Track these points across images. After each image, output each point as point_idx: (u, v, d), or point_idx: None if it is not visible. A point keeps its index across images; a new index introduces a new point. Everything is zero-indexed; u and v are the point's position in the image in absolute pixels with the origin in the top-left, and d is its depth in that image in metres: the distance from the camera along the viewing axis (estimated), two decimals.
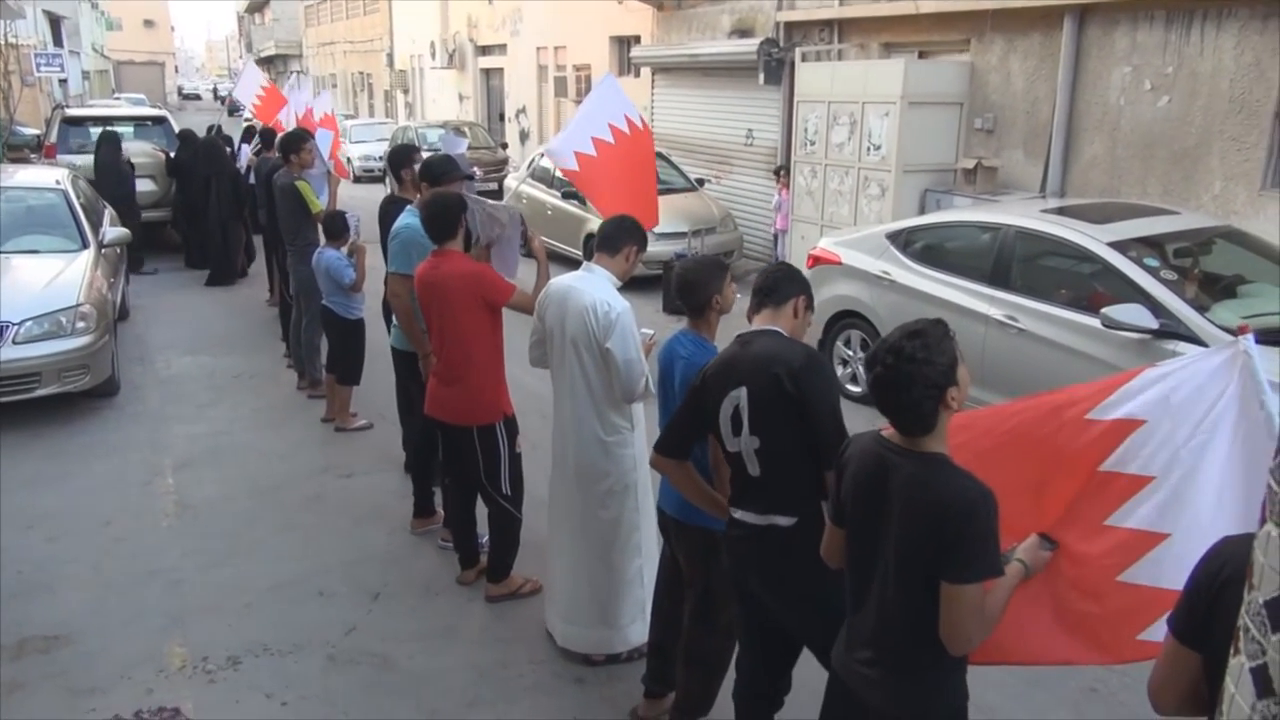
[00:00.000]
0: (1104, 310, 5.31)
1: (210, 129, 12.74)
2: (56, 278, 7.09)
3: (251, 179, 10.33)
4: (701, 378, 2.86)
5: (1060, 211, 6.52)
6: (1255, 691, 0.98)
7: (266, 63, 47.71)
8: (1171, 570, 2.27)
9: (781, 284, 2.85)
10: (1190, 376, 2.35)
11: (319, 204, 6.99)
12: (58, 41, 30.89)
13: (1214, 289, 5.70)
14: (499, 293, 4.11)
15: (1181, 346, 4.97)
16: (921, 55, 10.40)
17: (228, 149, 11.64)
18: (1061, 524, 2.42)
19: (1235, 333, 2.34)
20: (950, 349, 2.12)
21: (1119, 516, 2.36)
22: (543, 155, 11.26)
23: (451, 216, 4.20)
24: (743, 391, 2.71)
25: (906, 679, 2.23)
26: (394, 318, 4.97)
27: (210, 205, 10.92)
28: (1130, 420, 2.36)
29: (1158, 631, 2.21)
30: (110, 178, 11.03)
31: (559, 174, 9.35)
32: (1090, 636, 2.38)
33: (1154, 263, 5.61)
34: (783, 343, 2.75)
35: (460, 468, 4.42)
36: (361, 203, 16.34)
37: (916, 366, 2.07)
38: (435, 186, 4.71)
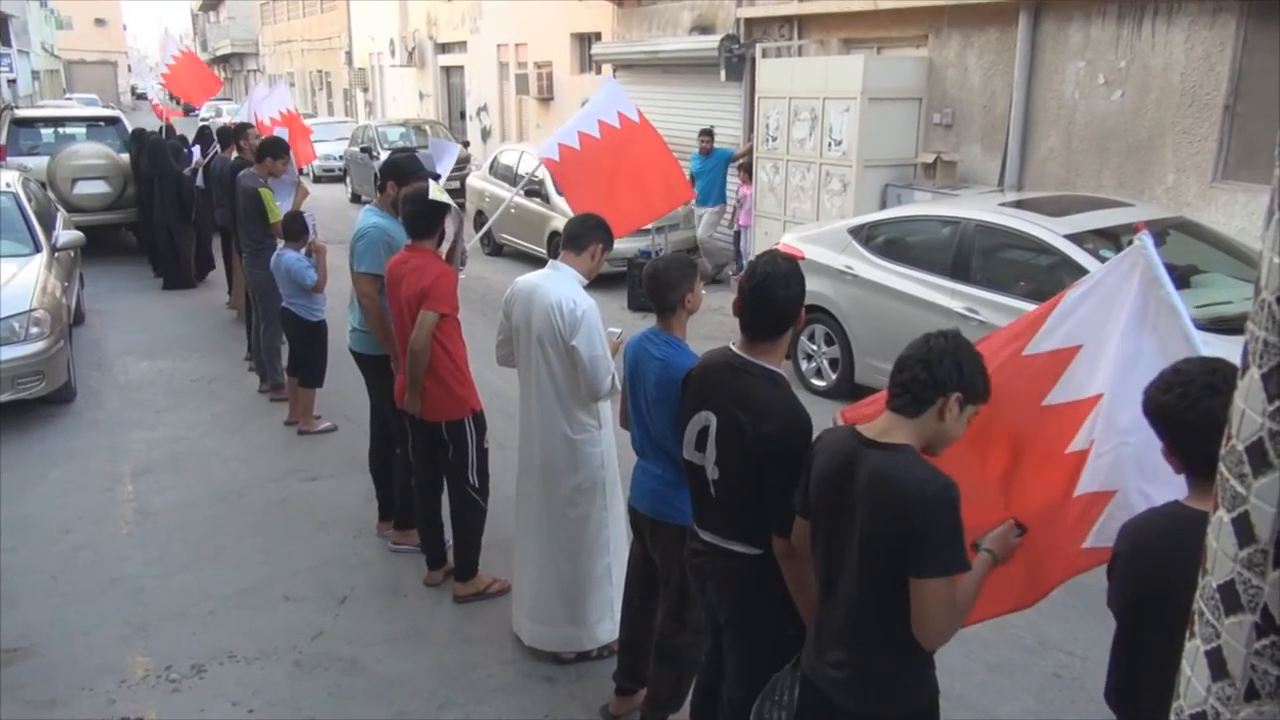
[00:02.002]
0: None
1: (162, 129, 12.54)
2: (8, 282, 6.94)
3: (199, 181, 10.28)
4: (684, 384, 2.83)
5: (1018, 205, 6.62)
6: (1210, 674, 1.00)
7: (223, 61, 47.02)
8: (1101, 473, 2.38)
9: (769, 320, 2.59)
10: (1106, 287, 2.46)
11: (278, 213, 6.89)
12: (5, 41, 30.17)
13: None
14: (434, 300, 4.01)
15: None
16: (880, 51, 10.49)
17: (184, 150, 11.45)
18: (1017, 467, 2.46)
19: (1133, 231, 2.48)
20: (985, 393, 2.15)
21: (1079, 441, 2.41)
22: (505, 153, 11.18)
23: (435, 214, 4.18)
24: (713, 419, 2.65)
25: (875, 677, 2.21)
26: (351, 319, 4.92)
27: (155, 207, 10.79)
28: (1066, 349, 2.43)
29: (1100, 536, 2.31)
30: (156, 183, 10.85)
31: (521, 172, 9.30)
32: (1039, 566, 2.42)
33: (1110, 254, 5.70)
34: (771, 393, 2.57)
35: (428, 464, 4.40)
36: (321, 203, 16.21)
37: (953, 356, 2.11)
38: (402, 186, 4.67)
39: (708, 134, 11.14)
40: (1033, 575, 2.46)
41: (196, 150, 11.14)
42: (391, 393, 4.63)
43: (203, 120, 14.50)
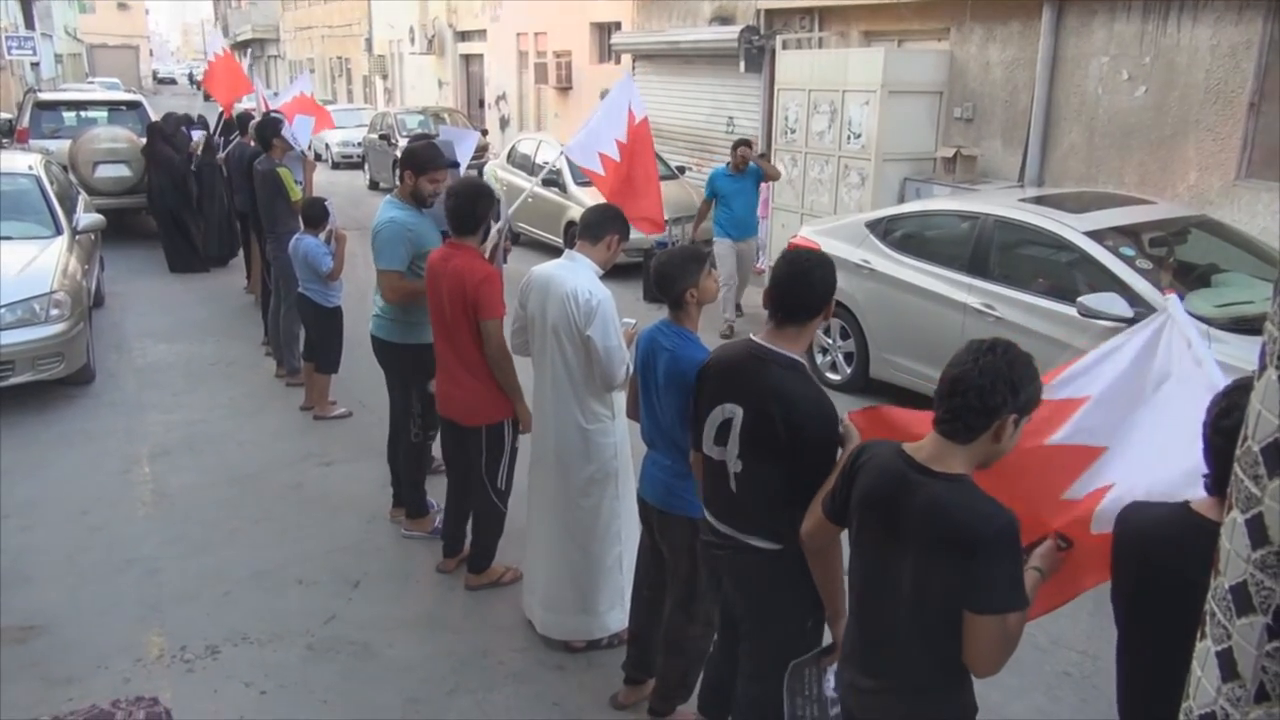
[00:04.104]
0: (1080, 299, 5.36)
1: (197, 117, 12.67)
2: (30, 264, 6.99)
3: (192, 165, 10.55)
4: (700, 377, 2.81)
5: (1038, 201, 6.58)
6: (1220, 675, 1.00)
7: (243, 47, 47.17)
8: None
9: (804, 298, 2.57)
10: (1130, 348, 2.45)
11: (298, 192, 6.95)
12: (29, 24, 30.39)
13: (1189, 278, 5.77)
14: (487, 309, 3.96)
15: None
16: (901, 44, 10.42)
17: (210, 135, 11.52)
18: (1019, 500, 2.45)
19: (1163, 294, 2.47)
20: (1033, 382, 2.06)
21: (1076, 490, 2.39)
22: (522, 141, 11.21)
23: (482, 210, 4.09)
24: (739, 411, 2.61)
25: (916, 702, 2.16)
26: (375, 305, 4.92)
27: (152, 191, 10.95)
28: (1074, 399, 2.41)
29: (1079, 488, 2.32)
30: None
31: (540, 161, 9.32)
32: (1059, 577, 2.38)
33: (1130, 252, 5.66)
34: (796, 381, 2.56)
35: (461, 460, 4.40)
36: (339, 190, 16.27)
37: (1006, 377, 2.00)
38: (420, 176, 4.62)
39: (746, 144, 8.77)
40: (1058, 584, 2.44)
41: (195, 134, 11.22)
42: (408, 382, 4.67)
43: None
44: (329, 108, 24.25)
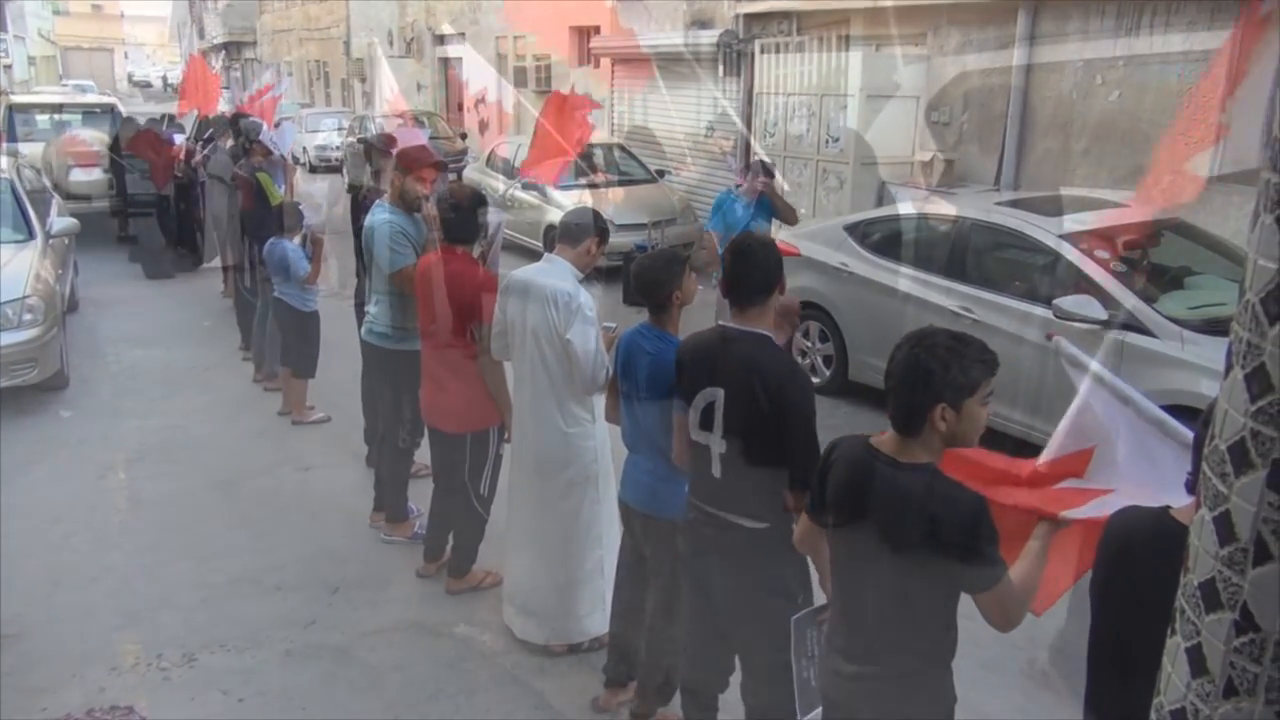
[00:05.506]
0: (1055, 301, 5.41)
1: (164, 118, 12.58)
2: (2, 269, 6.91)
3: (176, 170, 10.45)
4: (678, 365, 2.87)
5: (1014, 204, 6.63)
6: (1190, 671, 1.01)
7: (220, 49, 46.81)
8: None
9: (753, 278, 2.70)
10: (1083, 397, 2.44)
11: (279, 195, 6.91)
12: (1, 26, 30.08)
13: (1162, 280, 5.82)
14: (487, 313, 3.95)
15: (1130, 337, 5.10)
16: (879, 48, 10.49)
17: (188, 139, 11.45)
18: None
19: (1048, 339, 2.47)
20: (976, 377, 2.07)
21: (1075, 483, 2.41)
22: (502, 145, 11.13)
23: (479, 218, 4.12)
24: (719, 393, 2.70)
25: (896, 687, 2.20)
26: (370, 313, 4.89)
27: (130, 196, 10.98)
28: (1082, 450, 2.41)
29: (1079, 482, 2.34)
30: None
31: (518, 165, 9.35)
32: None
33: (1104, 254, 5.72)
34: (767, 353, 2.69)
35: (446, 467, 4.39)
36: (317, 193, 16.16)
37: (915, 371, 2.03)
38: (408, 175, 4.63)
39: (766, 169, 7.16)
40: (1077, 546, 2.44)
41: (177, 139, 11.14)
42: (400, 388, 4.69)
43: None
44: (305, 111, 24.24)
